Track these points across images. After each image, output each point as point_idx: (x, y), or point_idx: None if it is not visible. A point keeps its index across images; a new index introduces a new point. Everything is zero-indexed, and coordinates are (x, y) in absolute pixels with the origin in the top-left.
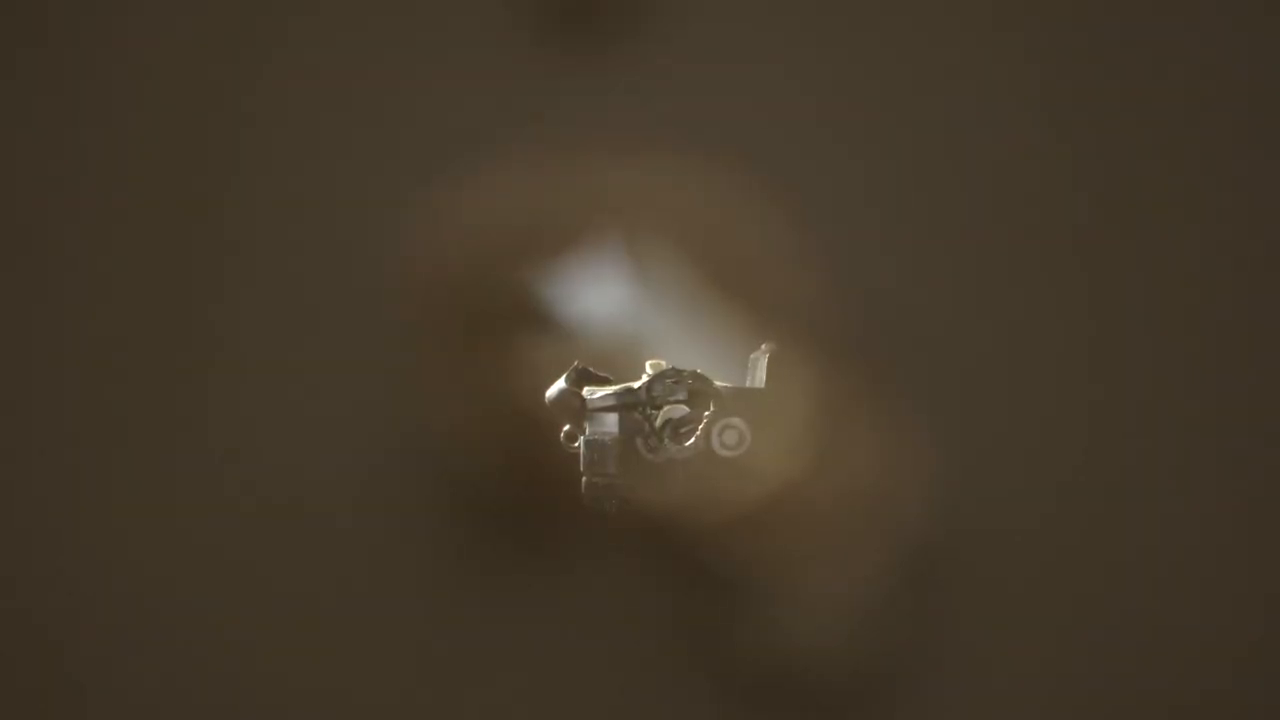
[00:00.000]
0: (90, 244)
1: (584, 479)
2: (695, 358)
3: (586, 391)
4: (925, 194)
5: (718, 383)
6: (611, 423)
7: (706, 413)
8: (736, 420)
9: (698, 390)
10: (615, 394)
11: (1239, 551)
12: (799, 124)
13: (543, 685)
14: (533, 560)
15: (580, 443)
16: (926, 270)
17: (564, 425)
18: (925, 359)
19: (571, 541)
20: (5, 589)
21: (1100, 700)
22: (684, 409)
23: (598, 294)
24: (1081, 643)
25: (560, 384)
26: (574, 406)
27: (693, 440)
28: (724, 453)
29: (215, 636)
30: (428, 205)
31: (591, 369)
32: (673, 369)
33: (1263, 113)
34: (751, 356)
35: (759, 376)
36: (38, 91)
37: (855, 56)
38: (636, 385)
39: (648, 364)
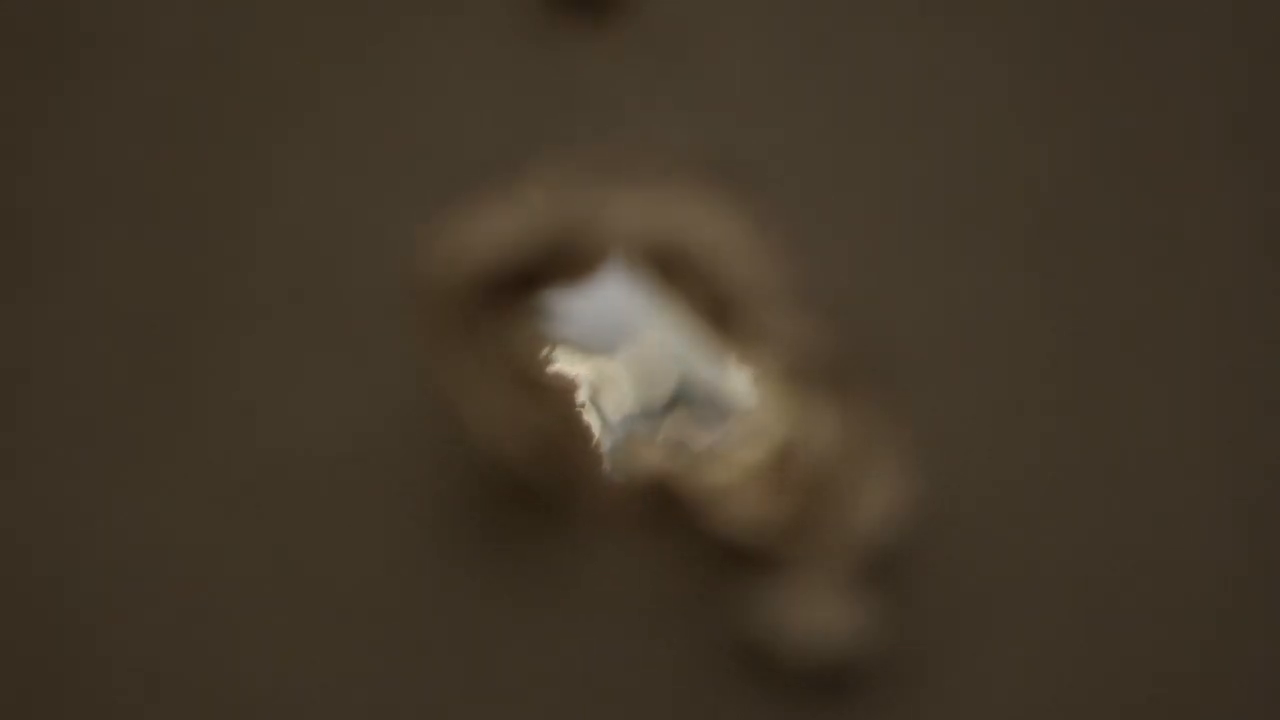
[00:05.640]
0: (106, 245)
1: (602, 463)
2: (693, 359)
3: (602, 389)
4: (917, 200)
5: (712, 384)
6: (630, 410)
7: (703, 411)
8: (730, 420)
9: (696, 390)
10: (630, 390)
11: (1229, 546)
12: (804, 145)
13: (555, 664)
14: (555, 533)
15: (599, 430)
16: (921, 274)
17: (585, 416)
18: (917, 361)
19: (590, 518)
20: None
21: (1092, 693)
22: (684, 407)
23: (607, 306)
24: (1072, 637)
25: (582, 381)
26: (594, 399)
27: (692, 436)
28: (719, 447)
29: (222, 624)
30: (442, 215)
31: (606, 369)
32: (674, 371)
33: (1246, 105)
34: (742, 362)
35: (751, 381)
36: (49, 99)
37: (861, 71)
38: (645, 384)
39: (652, 365)
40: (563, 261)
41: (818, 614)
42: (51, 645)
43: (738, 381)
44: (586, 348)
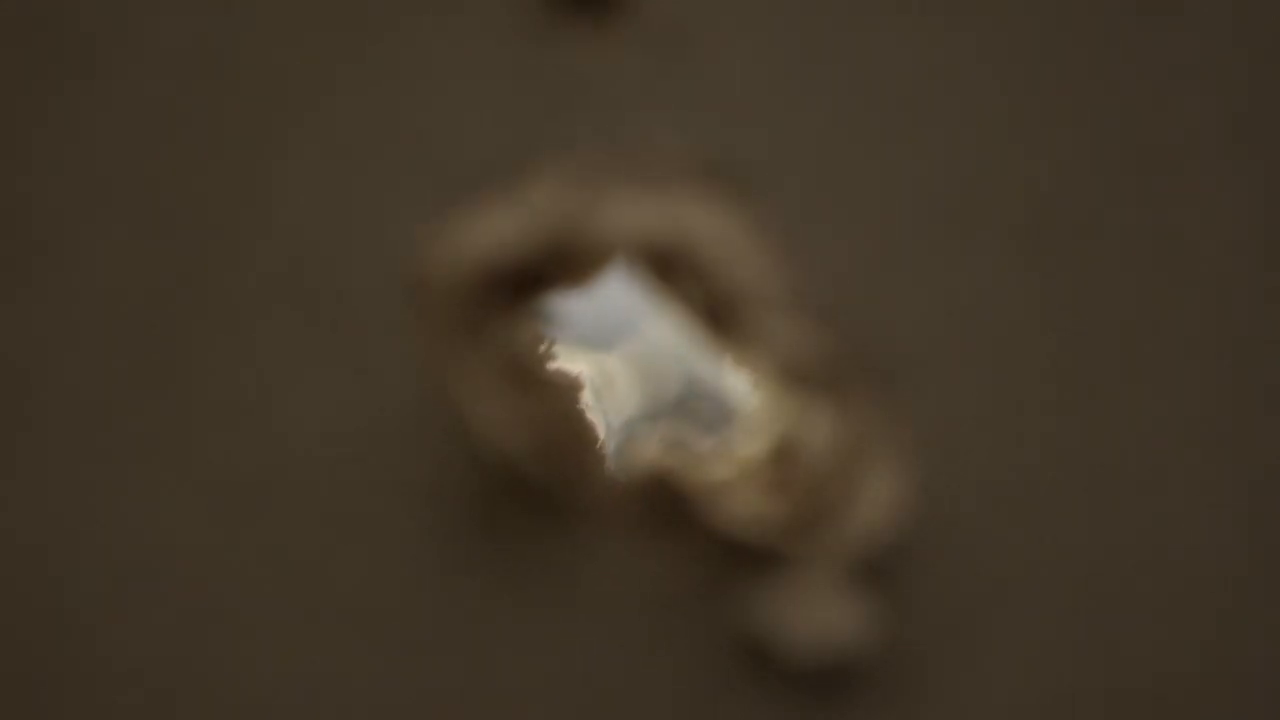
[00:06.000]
0: (106, 245)
1: (604, 463)
2: (694, 359)
3: (604, 389)
4: (916, 200)
5: (713, 384)
6: (632, 410)
7: (704, 411)
8: (731, 419)
9: (697, 390)
10: (632, 390)
11: (1229, 546)
12: (803, 146)
13: (555, 663)
14: (556, 533)
15: (601, 429)
16: (921, 275)
17: (588, 416)
18: (916, 361)
19: (592, 517)
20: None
21: (1092, 692)
22: (685, 407)
23: (608, 305)
24: (1072, 637)
25: (584, 381)
26: (598, 397)
27: (693, 435)
28: (720, 446)
29: (223, 624)
30: (442, 215)
31: (608, 369)
32: (675, 371)
33: (1246, 105)
34: (741, 362)
35: (751, 381)
36: (51, 101)
37: (870, 76)
38: (647, 384)
39: (654, 365)
40: (563, 261)
41: (818, 613)
42: (51, 645)
43: (738, 381)
44: (588, 347)
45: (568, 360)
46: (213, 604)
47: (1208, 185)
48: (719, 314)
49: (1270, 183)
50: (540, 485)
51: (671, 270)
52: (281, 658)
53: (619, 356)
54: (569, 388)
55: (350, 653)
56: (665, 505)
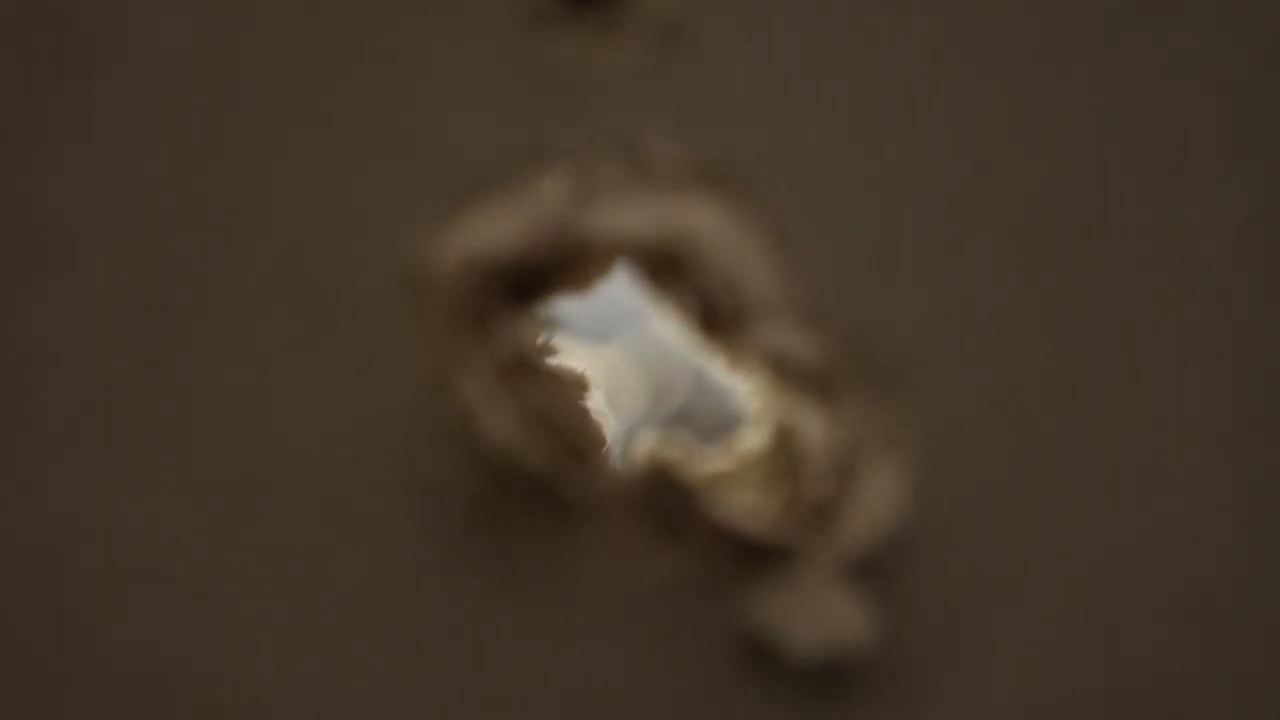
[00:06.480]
0: (106, 245)
1: (608, 463)
2: (696, 360)
3: (607, 390)
4: (916, 201)
5: (715, 385)
6: (635, 409)
7: (707, 411)
8: (733, 420)
9: (699, 391)
10: (634, 390)
11: (1229, 546)
12: (803, 147)
13: (556, 662)
14: (557, 532)
15: (604, 430)
16: (920, 276)
17: (591, 417)
18: (916, 361)
19: (594, 517)
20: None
21: (1092, 692)
22: (688, 407)
23: (610, 308)
24: (1071, 637)
25: (587, 382)
26: (607, 394)
27: (695, 435)
28: (722, 447)
29: (223, 623)
30: (441, 215)
31: (610, 370)
32: (678, 372)
33: (1246, 106)
34: (741, 364)
35: (752, 382)
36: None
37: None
38: (650, 384)
39: (656, 365)
40: (562, 262)
41: (818, 611)
42: (51, 645)
43: (740, 383)
44: (588, 348)
45: (569, 362)
46: (213, 604)
47: (1208, 185)
48: (718, 314)
49: (1270, 183)
50: (542, 482)
51: (670, 270)
52: (281, 657)
53: (620, 356)
54: (574, 384)
55: (350, 652)
56: (667, 501)
